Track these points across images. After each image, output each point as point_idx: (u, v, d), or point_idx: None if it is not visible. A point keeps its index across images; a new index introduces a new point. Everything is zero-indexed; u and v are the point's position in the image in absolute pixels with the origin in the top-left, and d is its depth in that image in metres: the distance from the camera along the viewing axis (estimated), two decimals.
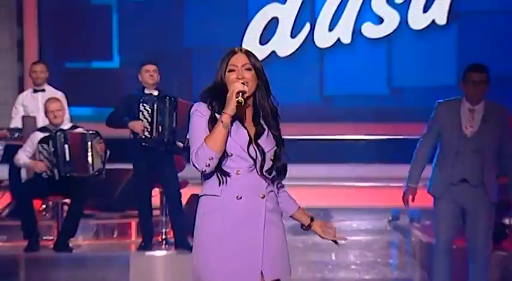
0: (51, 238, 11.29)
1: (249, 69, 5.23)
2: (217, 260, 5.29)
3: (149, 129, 10.83)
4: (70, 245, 11.03)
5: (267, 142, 5.30)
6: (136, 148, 11.14)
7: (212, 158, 5.12)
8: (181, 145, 10.49)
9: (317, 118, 14.77)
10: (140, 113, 10.85)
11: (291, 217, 5.65)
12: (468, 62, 14.42)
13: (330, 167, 13.94)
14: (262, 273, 5.34)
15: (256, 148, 5.22)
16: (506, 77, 14.53)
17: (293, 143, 14.18)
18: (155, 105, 10.91)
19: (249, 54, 5.33)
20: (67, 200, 11.27)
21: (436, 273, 8.90)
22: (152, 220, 11.37)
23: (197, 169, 5.23)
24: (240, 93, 5.08)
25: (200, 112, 5.25)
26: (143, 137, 10.85)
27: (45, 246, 11.14)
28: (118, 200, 12.54)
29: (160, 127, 10.86)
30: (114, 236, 12.32)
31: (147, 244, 11.11)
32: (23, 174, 11.75)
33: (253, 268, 5.29)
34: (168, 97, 11.06)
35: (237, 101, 5.05)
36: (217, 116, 5.21)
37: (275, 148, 5.34)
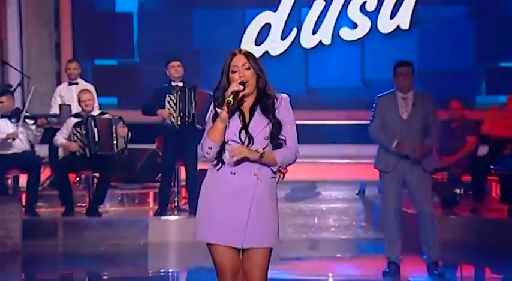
0: (83, 205, 11.36)
1: (248, 68, 5.16)
2: (208, 221, 5.28)
3: (174, 116, 10.86)
4: (99, 211, 11.17)
5: (258, 128, 5.22)
6: (165, 131, 11.20)
7: (211, 148, 5.12)
8: (200, 127, 10.36)
9: (302, 106, 14.58)
10: (166, 103, 10.93)
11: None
12: (426, 60, 14.54)
13: (313, 147, 13.82)
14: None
15: (246, 134, 5.17)
16: (457, 72, 14.61)
17: None
18: (178, 96, 10.94)
19: (247, 55, 5.26)
20: (96, 174, 11.37)
21: (389, 235, 8.89)
22: (170, 190, 11.42)
23: (202, 154, 5.24)
24: (233, 94, 5.03)
25: (211, 109, 5.25)
26: (169, 122, 10.92)
27: (78, 212, 11.22)
28: (138, 174, 12.62)
29: (182, 113, 10.86)
30: (135, 203, 12.33)
31: (162, 210, 11.19)
32: (60, 152, 11.76)
33: (236, 234, 5.22)
34: (188, 88, 11.08)
35: (227, 102, 5.02)
36: (218, 110, 5.16)
37: (268, 131, 5.22)
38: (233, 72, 5.17)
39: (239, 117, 5.22)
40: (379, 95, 9.03)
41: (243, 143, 5.16)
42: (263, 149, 5.18)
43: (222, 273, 5.24)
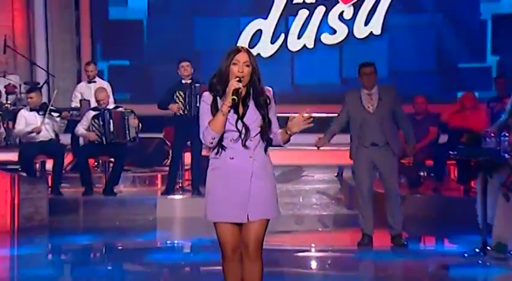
0: (101, 185, 11.40)
1: (247, 65, 5.09)
2: (216, 201, 5.19)
3: (182, 109, 10.93)
4: (114, 191, 11.24)
5: (252, 118, 5.15)
6: (176, 122, 11.25)
7: (214, 138, 5.06)
8: None
9: (289, 100, 14.58)
10: (176, 98, 10.98)
11: (283, 140, 5.24)
12: (395, 61, 14.54)
13: (298, 136, 13.80)
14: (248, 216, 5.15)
15: (242, 124, 5.09)
16: (421, 70, 14.68)
17: None
18: (186, 92, 10.99)
19: (249, 53, 5.19)
20: (111, 159, 11.40)
21: (363, 212, 8.90)
22: (178, 173, 11.42)
23: (205, 143, 5.20)
24: (235, 91, 4.97)
25: (206, 101, 5.14)
26: (179, 114, 11.00)
27: (96, 191, 11.28)
28: (148, 159, 12.76)
29: (189, 107, 10.91)
30: (145, 184, 12.33)
31: (169, 190, 11.28)
32: (81, 141, 11.79)
33: (241, 210, 5.14)
34: (194, 85, 11.07)
35: (232, 99, 4.95)
36: (218, 99, 5.12)
37: (261, 121, 5.17)
38: (234, 64, 5.09)
39: (234, 109, 5.13)
40: (348, 91, 9.17)
41: (240, 132, 5.10)
42: (256, 139, 5.16)
43: (224, 248, 5.20)
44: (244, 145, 5.12)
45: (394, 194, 8.87)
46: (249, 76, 5.11)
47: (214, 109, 5.10)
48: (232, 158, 5.14)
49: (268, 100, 5.19)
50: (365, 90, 8.79)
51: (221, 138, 5.13)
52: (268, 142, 5.24)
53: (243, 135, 5.10)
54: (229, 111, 5.04)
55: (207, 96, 5.16)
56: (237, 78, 5.04)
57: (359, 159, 8.86)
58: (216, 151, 5.19)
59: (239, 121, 5.11)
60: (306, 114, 5.10)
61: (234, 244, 5.22)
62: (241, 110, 5.15)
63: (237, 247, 5.26)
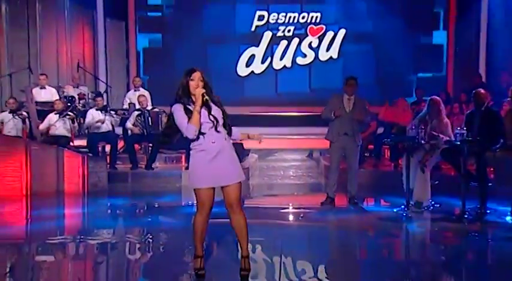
0: (143, 163, 11.29)
1: (201, 80, 5.04)
2: (198, 174, 5.09)
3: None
4: (152, 166, 11.15)
5: (217, 112, 5.11)
6: None
7: (196, 130, 4.99)
8: None
9: (273, 104, 14.81)
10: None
11: (240, 138, 5.47)
12: (347, 77, 14.43)
13: (280, 128, 13.87)
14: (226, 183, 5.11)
15: (212, 116, 5.06)
16: (366, 83, 14.15)
17: (261, 117, 14.26)
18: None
19: (201, 72, 5.15)
20: (150, 145, 11.33)
21: (330, 180, 8.91)
22: None
23: (189, 138, 5.07)
24: (203, 96, 4.97)
25: (179, 110, 5.06)
26: None
27: (140, 167, 11.21)
28: (175, 144, 12.45)
29: None
30: (173, 162, 12.22)
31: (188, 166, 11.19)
32: (129, 132, 11.63)
33: (222, 176, 5.08)
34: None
35: (205, 100, 4.97)
36: (189, 107, 5.05)
37: (222, 115, 5.16)
38: (191, 80, 5.04)
39: (204, 108, 5.07)
40: (334, 93, 9.02)
41: (213, 122, 5.06)
42: (222, 126, 5.14)
43: (202, 206, 5.14)
44: (217, 131, 5.07)
45: (355, 169, 8.87)
46: (202, 87, 5.06)
47: (188, 112, 5.03)
48: (214, 142, 5.07)
49: (220, 103, 5.18)
50: (346, 95, 8.74)
51: (200, 129, 5.04)
52: (229, 129, 5.21)
53: (215, 123, 5.06)
54: (200, 109, 5.00)
55: (178, 106, 5.10)
56: (202, 93, 4.97)
57: (334, 143, 8.83)
58: (198, 138, 5.09)
59: (210, 115, 5.06)
60: (260, 141, 5.45)
61: (210, 204, 5.16)
62: (205, 108, 5.06)
63: (212, 206, 5.19)
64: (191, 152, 5.13)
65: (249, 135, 5.52)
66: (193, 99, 5.08)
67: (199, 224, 5.18)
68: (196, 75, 5.09)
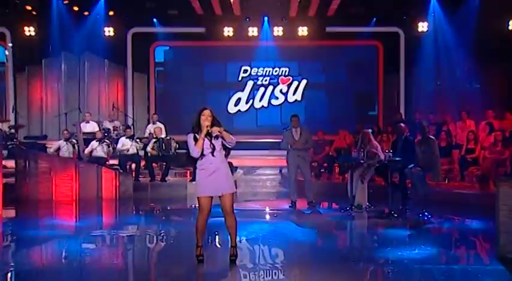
0: (159, 177, 11.12)
1: (210, 116, 4.96)
2: (202, 186, 5.02)
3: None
4: (166, 179, 11.02)
5: (217, 142, 5.01)
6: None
7: (198, 152, 4.94)
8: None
9: (254, 133, 14.63)
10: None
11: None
12: (308, 113, 14.45)
13: (259, 151, 13.83)
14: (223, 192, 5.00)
15: (211, 145, 4.99)
16: (321, 117, 14.60)
17: (246, 143, 14.28)
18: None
19: (211, 110, 5.02)
20: (164, 163, 11.18)
21: (292, 189, 8.91)
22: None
23: (195, 157, 4.99)
24: (208, 127, 4.92)
25: (190, 137, 4.99)
26: None
27: (157, 180, 11.00)
28: (182, 163, 12.10)
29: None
30: (181, 176, 11.98)
31: (193, 179, 10.80)
32: (149, 154, 11.43)
33: (217, 188, 5.01)
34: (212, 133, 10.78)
35: (207, 132, 4.92)
36: (197, 135, 4.96)
37: (221, 143, 5.03)
38: (202, 116, 4.97)
39: (208, 138, 5.01)
40: (285, 128, 9.05)
41: (212, 149, 4.97)
42: (219, 152, 5.02)
43: (202, 210, 5.06)
44: (213, 155, 5.00)
45: (308, 179, 8.90)
46: (211, 121, 5.00)
47: (195, 140, 4.99)
48: (211, 164, 5.01)
49: (226, 131, 5.03)
50: (293, 128, 8.79)
51: (202, 152, 4.99)
52: (227, 152, 5.12)
53: (213, 150, 5.01)
54: (204, 139, 4.95)
55: (191, 135, 5.03)
56: (208, 127, 4.92)
57: (290, 162, 8.83)
58: (201, 159, 5.03)
59: (210, 144, 5.02)
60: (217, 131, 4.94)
61: (209, 209, 5.08)
62: (209, 137, 5.00)
63: (210, 211, 5.10)
64: (196, 170, 5.10)
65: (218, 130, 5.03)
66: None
67: (200, 223, 5.09)
68: (206, 112, 4.98)
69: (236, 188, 5.34)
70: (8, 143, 11.84)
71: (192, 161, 5.16)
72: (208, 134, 4.98)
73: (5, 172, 8.73)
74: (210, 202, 5.07)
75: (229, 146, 5.16)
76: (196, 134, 5.00)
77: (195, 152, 4.99)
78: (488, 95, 12.66)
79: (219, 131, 4.99)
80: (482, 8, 12.55)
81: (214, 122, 5.03)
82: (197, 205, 5.12)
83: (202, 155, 5.01)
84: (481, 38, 12.56)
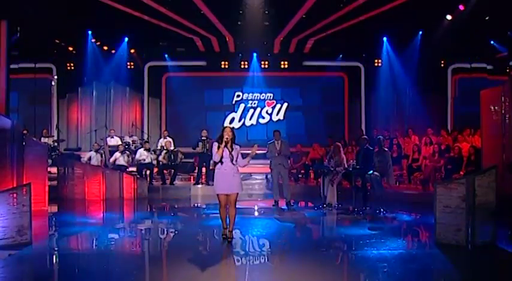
0: (168, 181, 10.99)
1: (230, 131, 5.22)
2: (218, 185, 5.22)
3: (203, 150, 10.44)
4: (174, 183, 10.92)
5: (234, 153, 5.20)
6: (200, 155, 10.72)
7: (218, 158, 5.14)
8: (209, 153, 9.83)
9: (245, 145, 14.38)
10: (200, 144, 10.59)
11: (245, 163, 5.29)
12: (289, 129, 14.25)
13: (251, 161, 13.78)
14: (232, 192, 5.18)
15: (231, 155, 5.17)
16: (298, 133, 14.50)
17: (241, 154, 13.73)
18: (204, 142, 10.49)
19: (231, 128, 5.32)
20: (172, 170, 11.03)
21: (274, 191, 8.90)
22: (200, 175, 10.92)
23: (215, 161, 5.17)
24: (225, 140, 5.13)
25: (214, 145, 5.21)
26: (202, 152, 10.52)
27: (167, 184, 10.89)
28: (187, 170, 12.18)
29: (205, 149, 10.41)
30: (186, 180, 11.79)
31: (196, 183, 10.89)
32: (160, 163, 11.33)
33: (229, 188, 5.19)
34: (208, 140, 10.47)
35: (225, 143, 5.14)
36: (219, 144, 5.17)
37: (238, 154, 5.23)
38: (224, 132, 5.19)
39: (226, 148, 5.20)
40: (269, 142, 8.96)
41: (231, 158, 5.12)
42: (235, 161, 5.15)
43: (220, 203, 5.24)
44: (232, 163, 5.18)
45: (286, 183, 8.81)
46: (231, 137, 5.22)
47: (217, 148, 5.17)
48: (226, 170, 5.18)
49: (239, 146, 5.31)
50: (275, 141, 8.78)
51: (222, 158, 5.15)
52: (238, 162, 5.26)
53: (232, 159, 5.18)
54: (224, 148, 5.12)
55: (215, 144, 5.23)
56: (226, 138, 5.11)
57: (274, 169, 8.81)
58: (219, 164, 5.19)
59: (230, 154, 5.19)
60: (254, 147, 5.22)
61: (224, 202, 5.26)
62: (229, 148, 5.21)
63: (225, 203, 5.27)
64: (215, 171, 5.22)
65: (251, 153, 5.26)
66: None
67: (222, 211, 5.33)
68: (227, 129, 5.30)
69: (242, 189, 5.51)
70: (52, 154, 12.05)
71: (213, 166, 5.28)
72: (229, 146, 5.13)
73: (49, 177, 8.86)
74: (225, 197, 5.27)
75: (239, 164, 5.31)
76: (219, 144, 5.22)
77: (215, 157, 5.20)
78: (428, 117, 13.08)
79: (255, 153, 5.23)
80: (422, 50, 13.20)
81: (233, 137, 5.28)
82: (217, 201, 5.26)
83: (221, 161, 5.19)
84: (422, 72, 13.34)
